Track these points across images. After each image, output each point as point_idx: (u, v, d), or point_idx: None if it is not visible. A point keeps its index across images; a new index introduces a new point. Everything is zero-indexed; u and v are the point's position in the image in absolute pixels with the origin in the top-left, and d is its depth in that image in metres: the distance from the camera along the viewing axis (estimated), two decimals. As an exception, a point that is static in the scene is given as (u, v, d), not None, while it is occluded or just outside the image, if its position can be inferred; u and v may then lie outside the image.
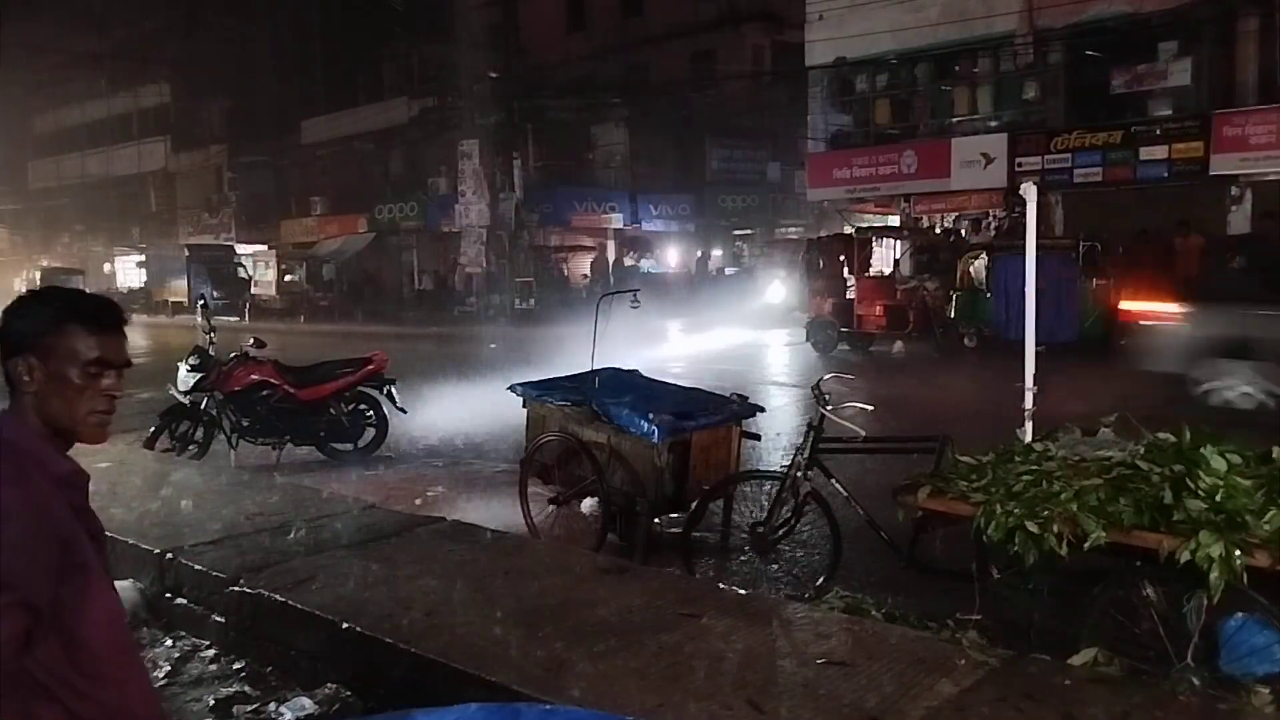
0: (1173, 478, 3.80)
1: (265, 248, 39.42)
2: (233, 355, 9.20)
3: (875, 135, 24.06)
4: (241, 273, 35.85)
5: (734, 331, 21.67)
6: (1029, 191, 5.40)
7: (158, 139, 49.05)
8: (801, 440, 5.43)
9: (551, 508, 6.44)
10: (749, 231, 34.78)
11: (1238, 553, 3.42)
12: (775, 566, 5.78)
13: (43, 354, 1.86)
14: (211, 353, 9.18)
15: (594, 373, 6.46)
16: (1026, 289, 5.37)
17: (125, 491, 6.40)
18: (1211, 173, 18.33)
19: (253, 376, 9.06)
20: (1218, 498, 3.66)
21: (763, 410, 6.46)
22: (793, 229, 34.07)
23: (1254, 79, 18.60)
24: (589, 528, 6.39)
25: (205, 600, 4.83)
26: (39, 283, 29.18)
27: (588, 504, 6.52)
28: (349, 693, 4.03)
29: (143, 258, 42.01)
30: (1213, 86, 19.05)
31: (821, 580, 5.34)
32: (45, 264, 43.99)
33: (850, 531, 5.43)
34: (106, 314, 1.93)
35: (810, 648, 3.83)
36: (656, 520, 6.30)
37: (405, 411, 9.73)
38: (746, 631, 3.98)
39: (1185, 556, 3.49)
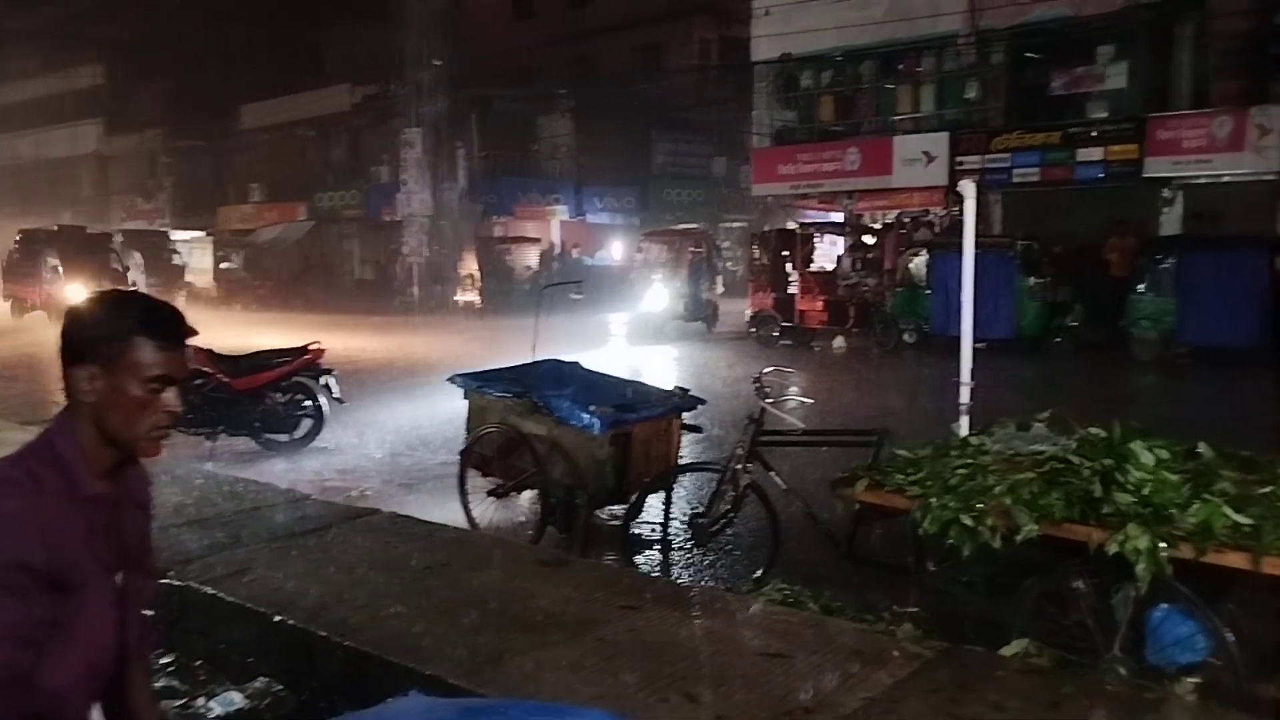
0: (1103, 472, 3.86)
1: (202, 234, 38.61)
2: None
3: (819, 132, 24.23)
4: (176, 259, 35.06)
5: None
6: (967, 189, 5.46)
7: (91, 121, 47.79)
8: (741, 433, 5.44)
9: (491, 500, 6.39)
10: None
11: (1164, 545, 3.49)
12: (715, 558, 5.79)
13: (106, 364, 1.77)
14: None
15: (535, 364, 6.42)
16: (962, 286, 5.43)
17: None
18: (1145, 175, 18.75)
19: (185, 365, 8.85)
20: (1145, 491, 3.74)
21: (704, 403, 6.46)
22: (737, 223, 34.25)
23: (1187, 84, 19.06)
24: (528, 520, 6.36)
25: (155, 603, 4.70)
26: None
27: (527, 496, 6.49)
28: (280, 687, 3.96)
29: (74, 242, 40.73)
30: (1148, 90, 19.48)
31: (760, 572, 5.36)
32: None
33: (789, 524, 5.46)
34: (177, 328, 1.84)
35: (748, 639, 3.84)
36: (597, 512, 6.29)
37: (343, 402, 9.59)
38: (685, 623, 3.98)
39: (1114, 549, 3.55)
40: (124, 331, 1.78)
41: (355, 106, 35.98)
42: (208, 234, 38.46)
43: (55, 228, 30.14)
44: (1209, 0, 18.19)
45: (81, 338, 1.79)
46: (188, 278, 33.75)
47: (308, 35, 38.70)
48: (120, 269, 28.31)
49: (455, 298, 28.37)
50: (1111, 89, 19.86)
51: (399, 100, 30.23)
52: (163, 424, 1.84)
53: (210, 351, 9.18)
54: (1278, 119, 17.31)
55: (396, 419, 10.48)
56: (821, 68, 24.04)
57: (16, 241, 28.91)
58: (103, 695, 1.89)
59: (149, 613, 2.05)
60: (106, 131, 47.30)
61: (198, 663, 4.31)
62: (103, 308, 1.83)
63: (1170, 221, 18.75)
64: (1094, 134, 19.42)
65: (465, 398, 6.72)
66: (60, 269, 25.43)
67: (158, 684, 4.17)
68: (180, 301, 30.34)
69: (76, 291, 21.14)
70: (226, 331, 17.12)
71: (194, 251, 35.91)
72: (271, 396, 9.20)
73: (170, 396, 1.83)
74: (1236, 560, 3.44)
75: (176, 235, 37.61)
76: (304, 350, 9.41)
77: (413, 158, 28.75)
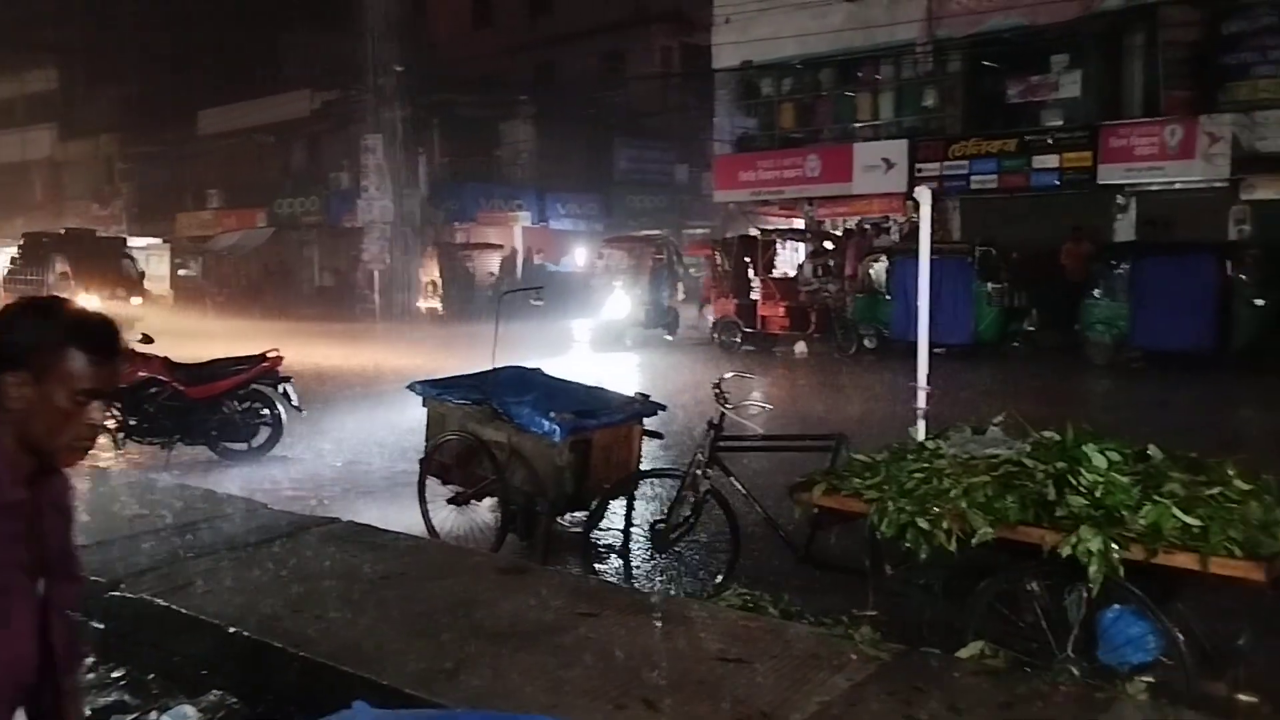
0: (1056, 475, 3.91)
1: (159, 241, 38.10)
2: (119, 351, 8.84)
3: (780, 139, 24.40)
4: (133, 267, 34.52)
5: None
6: (923, 195, 5.51)
7: (45, 126, 47.00)
8: (702, 439, 5.45)
9: (451, 508, 6.35)
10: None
11: (1115, 547, 3.54)
12: (675, 564, 5.80)
13: (38, 373, 1.74)
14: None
15: (495, 371, 6.39)
16: (919, 291, 5.48)
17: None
18: (1099, 182, 19.05)
19: (140, 373, 8.72)
20: (1097, 494, 3.79)
21: (664, 409, 6.47)
22: (700, 229, 34.34)
23: (1139, 93, 19.39)
24: (489, 527, 6.32)
25: (82, 606, 4.62)
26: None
27: (488, 503, 6.45)
28: (235, 700, 3.91)
29: (27, 249, 40.06)
30: (1101, 99, 19.81)
31: (720, 578, 5.37)
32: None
33: (749, 529, 5.48)
34: (112, 342, 1.81)
35: (707, 645, 3.85)
36: (558, 520, 6.27)
37: (301, 410, 9.50)
38: (645, 630, 3.98)
39: (1067, 551, 3.60)
40: (58, 342, 1.76)
41: (315, 112, 35.67)
42: (165, 241, 37.97)
43: (62, 231, 29.30)
44: (1159, 11, 18.52)
45: (14, 344, 1.76)
46: (145, 285, 33.28)
47: (266, 40, 38.36)
48: (135, 275, 27.93)
49: (417, 304, 28.19)
50: (1066, 97, 20.17)
51: (359, 106, 30.00)
52: (85, 436, 1.82)
53: (166, 359, 9.06)
54: (1227, 127, 17.65)
55: (356, 427, 10.39)
56: (782, 75, 24.22)
57: (20, 245, 28.07)
58: (28, 704, 1.86)
59: (80, 618, 2.02)
60: (60, 136, 46.53)
61: (150, 676, 4.25)
62: (38, 315, 1.80)
63: (1124, 228, 19.07)
64: (1049, 141, 19.71)
65: (425, 405, 6.68)
66: (70, 275, 24.52)
67: (109, 699, 4.11)
68: (137, 310, 29.96)
69: (91, 300, 20.46)
70: (183, 340, 16.91)
71: (151, 259, 35.42)
72: (229, 405, 9.09)
73: (96, 409, 1.81)
74: (1185, 561, 3.51)
75: (134, 242, 37.09)
76: (262, 358, 9.31)
77: (373, 163, 28.53)
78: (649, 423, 6.43)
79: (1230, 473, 3.92)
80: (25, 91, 47.69)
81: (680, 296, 22.31)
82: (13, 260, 27.50)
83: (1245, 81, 17.89)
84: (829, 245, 20.67)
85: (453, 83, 31.80)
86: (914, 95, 22.36)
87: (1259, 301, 14.93)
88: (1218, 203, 18.05)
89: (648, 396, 6.53)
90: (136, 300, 25.22)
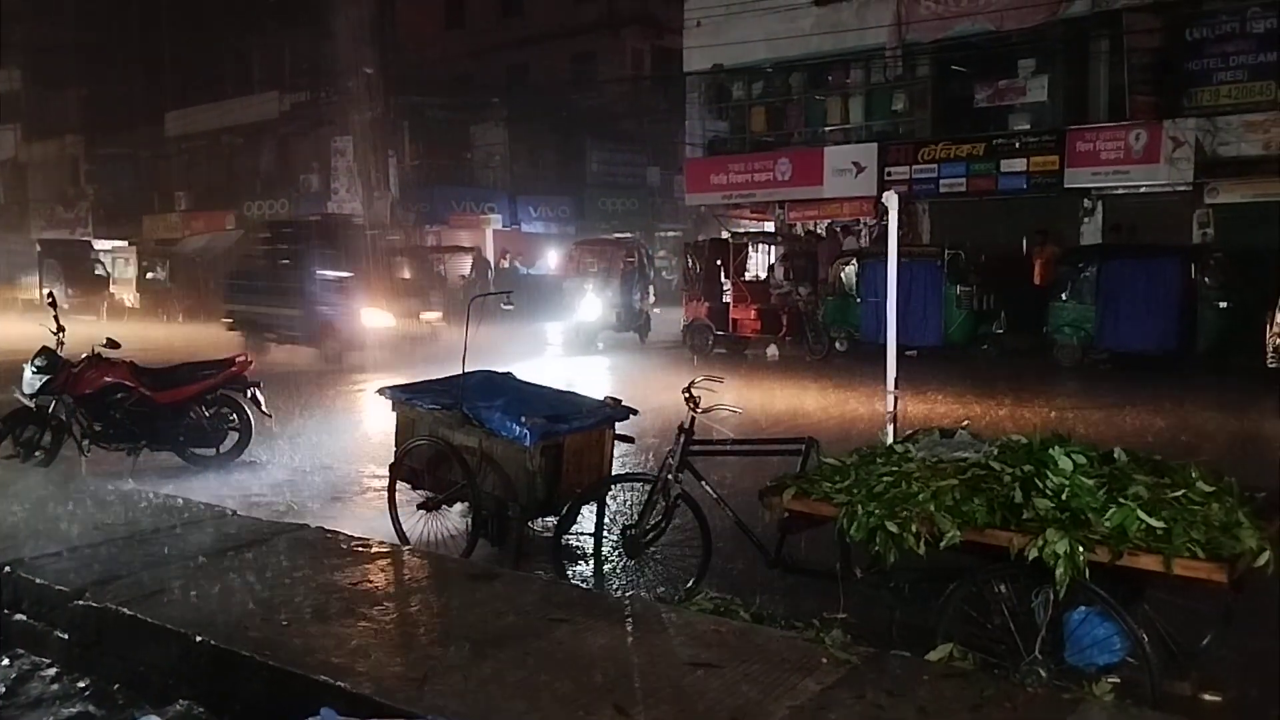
0: (1023, 478, 3.95)
1: (125, 244, 37.63)
2: (84, 356, 8.74)
3: (751, 142, 24.48)
4: (99, 270, 34.11)
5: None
6: (890, 200, 5.55)
7: (7, 126, 46.35)
8: (673, 443, 5.46)
9: (422, 513, 6.32)
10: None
11: (1081, 549, 3.58)
12: (647, 569, 5.79)
13: None
14: (60, 353, 8.71)
15: (465, 375, 6.37)
16: (887, 295, 5.51)
17: (-40, 501, 6.01)
18: (1066, 185, 19.27)
19: (105, 379, 8.62)
20: (1064, 496, 3.83)
21: (636, 413, 6.47)
22: (672, 232, 34.40)
23: (1104, 98, 19.62)
24: (460, 533, 6.30)
25: (47, 615, 4.57)
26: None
27: (459, 509, 6.43)
28: (202, 709, 3.87)
29: (-11, 252, 39.52)
30: (1067, 103, 20.04)
31: (692, 582, 5.37)
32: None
33: (720, 533, 5.49)
34: None
35: (679, 650, 3.85)
36: (529, 524, 6.26)
37: (270, 415, 9.42)
38: (616, 635, 3.98)
39: (1034, 553, 3.64)
40: None
41: (284, 114, 35.44)
42: (131, 244, 37.51)
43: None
44: (1124, 17, 18.75)
45: None
46: (112, 288, 32.90)
47: (235, 41, 38.03)
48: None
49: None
50: (1033, 102, 20.39)
51: (329, 108, 29.85)
52: None
53: (132, 364, 8.96)
54: (1190, 132, 17.90)
55: (325, 432, 10.33)
56: (752, 79, 24.32)
57: None
58: None
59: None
60: (23, 137, 45.92)
61: (116, 686, 4.20)
62: None
63: (1091, 231, 19.29)
64: (1016, 145, 19.90)
65: (394, 410, 6.64)
66: None
67: (74, 709, 4.06)
68: (103, 313, 29.63)
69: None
70: (150, 344, 16.73)
71: (118, 262, 34.98)
72: (196, 410, 8.99)
73: None
74: (1150, 563, 3.55)
75: (100, 245, 36.63)
76: (230, 362, 9.23)
77: (343, 166, 28.43)
78: (620, 427, 6.43)
79: (1193, 475, 3.98)
80: (-12, 91, 47.04)
81: (652, 300, 22.31)
82: None
83: (1208, 87, 18.15)
84: (799, 248, 20.75)
85: (424, 84, 31.67)
86: (884, 99, 22.51)
87: (1222, 304, 15.15)
88: (1182, 206, 18.30)
89: (619, 401, 6.53)
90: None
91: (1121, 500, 3.76)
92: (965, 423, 4.71)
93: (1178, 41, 18.45)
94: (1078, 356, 16.11)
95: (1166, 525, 3.61)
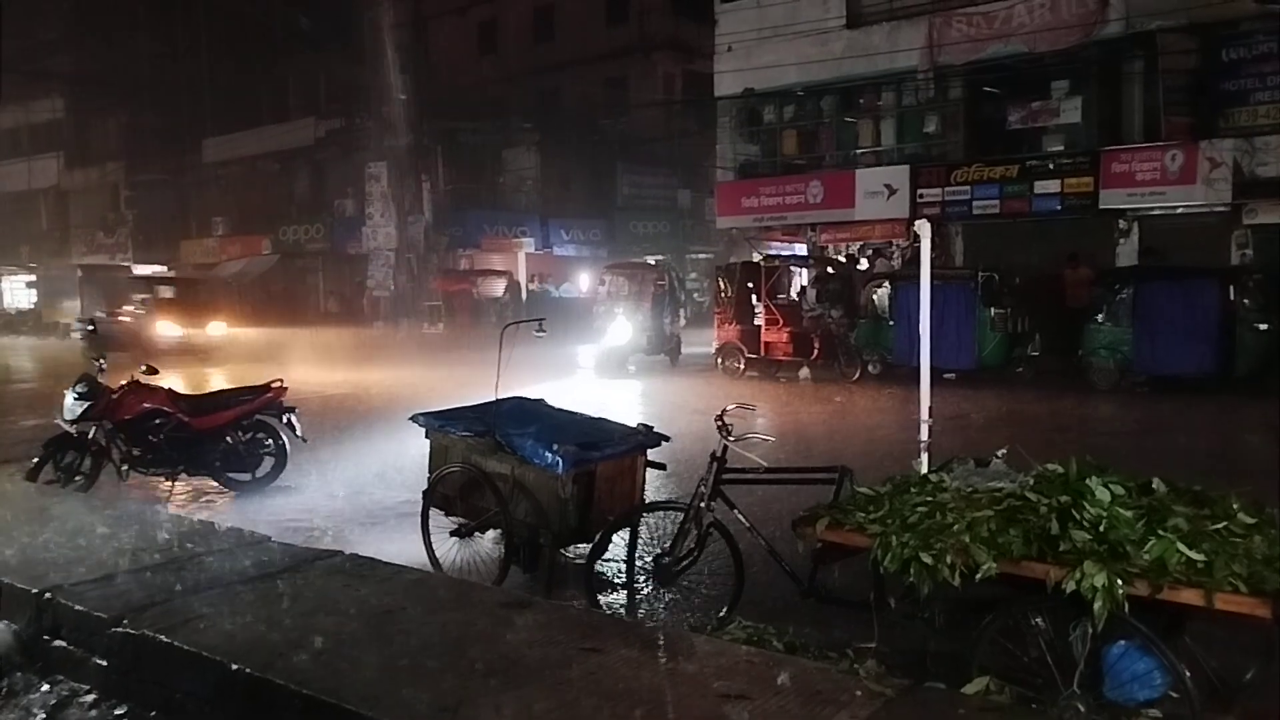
0: (1059, 509, 3.90)
1: (164, 269, 38.25)
2: (123, 383, 8.87)
3: (782, 165, 24.50)
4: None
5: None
6: (923, 228, 5.53)
7: (50, 155, 47.31)
8: (705, 471, 5.44)
9: (454, 540, 6.34)
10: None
11: (1119, 582, 3.53)
12: (679, 597, 5.77)
13: None
14: (101, 380, 8.84)
15: (498, 402, 6.39)
16: (921, 321, 5.48)
17: (1, 526, 6.10)
18: (1101, 207, 19.11)
19: (144, 405, 8.74)
20: (1101, 528, 3.78)
21: (668, 439, 6.46)
22: (703, 255, 34.42)
23: (1139, 118, 19.48)
24: (492, 560, 6.31)
25: (85, 642, 4.61)
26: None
27: (491, 536, 6.44)
28: (237, 737, 3.88)
29: (33, 278, 40.35)
30: (1101, 124, 19.90)
31: (724, 611, 5.34)
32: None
33: (752, 562, 5.46)
34: None
35: (711, 681, 3.82)
36: (561, 552, 6.25)
37: (306, 440, 9.50)
38: (648, 665, 3.96)
39: (1071, 586, 3.59)
40: None
41: (319, 140, 35.93)
42: (169, 268, 38.11)
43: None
44: (1159, 38, 18.62)
45: None
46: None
47: (272, 69, 38.65)
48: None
49: (422, 331, 28.27)
50: (1066, 123, 20.28)
51: (364, 134, 30.23)
52: None
53: (170, 391, 9.09)
54: (1227, 153, 17.71)
55: (359, 457, 10.39)
56: (783, 102, 24.36)
57: None
58: None
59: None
60: (66, 165, 46.82)
61: (152, 713, 4.23)
62: None
63: (1127, 252, 19.11)
64: (1050, 167, 19.80)
65: (427, 437, 6.68)
66: None
67: (111, 736, 4.08)
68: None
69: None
70: (187, 370, 16.95)
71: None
72: (233, 435, 9.09)
73: None
74: (1190, 597, 3.49)
75: (139, 270, 37.26)
76: (266, 388, 9.32)
77: (378, 191, 28.74)
78: (652, 454, 6.43)
79: (1235, 506, 3.91)
80: (31, 121, 48.01)
81: (683, 323, 22.31)
82: None
83: (1245, 107, 17.98)
84: (832, 270, 20.70)
85: (456, 110, 32.02)
86: (916, 122, 22.47)
87: (1262, 326, 14.94)
88: (1220, 227, 18.10)
89: (651, 427, 6.52)
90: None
91: (1161, 532, 3.70)
92: (1001, 451, 4.65)
93: (1213, 62, 18.30)
94: (1114, 379, 15.92)
95: (1207, 558, 3.55)
